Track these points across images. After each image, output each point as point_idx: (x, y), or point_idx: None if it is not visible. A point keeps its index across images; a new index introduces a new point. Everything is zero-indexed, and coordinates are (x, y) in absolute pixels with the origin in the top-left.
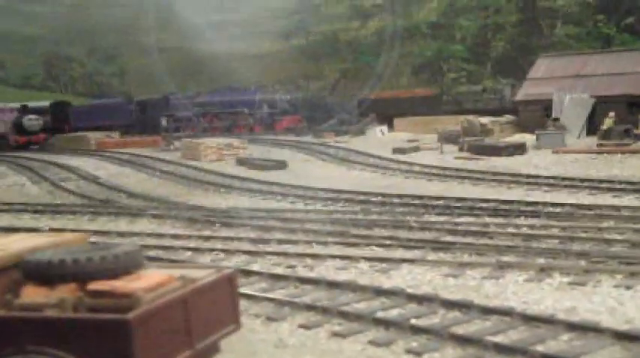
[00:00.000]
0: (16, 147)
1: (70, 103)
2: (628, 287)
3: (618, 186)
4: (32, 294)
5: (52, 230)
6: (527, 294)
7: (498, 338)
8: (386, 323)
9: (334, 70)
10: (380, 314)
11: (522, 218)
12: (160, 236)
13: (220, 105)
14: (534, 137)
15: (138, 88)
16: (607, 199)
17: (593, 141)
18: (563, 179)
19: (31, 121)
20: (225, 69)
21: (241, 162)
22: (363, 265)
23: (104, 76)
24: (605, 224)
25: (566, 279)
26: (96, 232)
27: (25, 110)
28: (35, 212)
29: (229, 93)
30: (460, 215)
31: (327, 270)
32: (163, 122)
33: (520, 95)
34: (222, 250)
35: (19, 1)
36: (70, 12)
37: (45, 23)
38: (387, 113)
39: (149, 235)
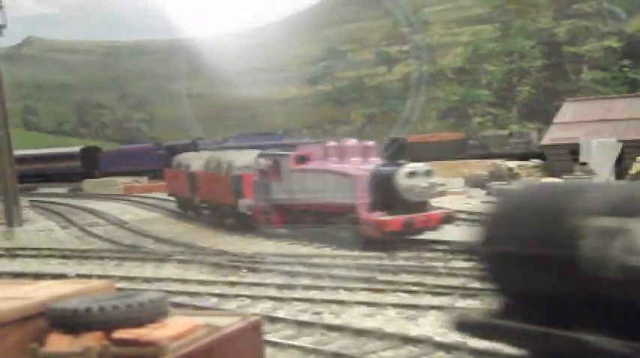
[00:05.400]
0: None
1: (99, 148)
2: None
3: None
4: (57, 343)
5: (79, 276)
6: None
7: None
8: None
9: (361, 114)
10: None
11: None
12: (186, 281)
13: None
14: (562, 181)
15: (166, 134)
16: None
17: None
18: None
19: None
20: (253, 114)
21: None
22: (390, 312)
23: (133, 121)
24: None
25: None
26: (122, 278)
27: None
28: (63, 257)
29: (256, 139)
30: None
31: (354, 317)
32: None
33: (547, 139)
34: (248, 296)
35: (51, 49)
36: (101, 60)
37: (77, 71)
38: (413, 157)
39: (175, 281)
